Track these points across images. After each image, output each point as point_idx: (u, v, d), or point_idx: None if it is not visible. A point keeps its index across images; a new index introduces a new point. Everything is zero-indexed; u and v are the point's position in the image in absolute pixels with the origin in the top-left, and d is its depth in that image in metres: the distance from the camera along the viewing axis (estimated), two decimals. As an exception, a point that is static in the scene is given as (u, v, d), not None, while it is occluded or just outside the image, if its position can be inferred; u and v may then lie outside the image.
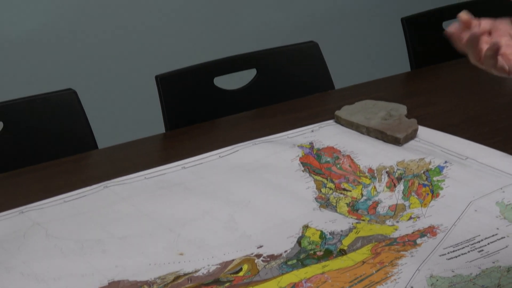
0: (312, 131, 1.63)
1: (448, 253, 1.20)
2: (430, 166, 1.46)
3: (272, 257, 1.20)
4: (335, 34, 3.29)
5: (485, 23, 1.05)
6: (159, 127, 1.81)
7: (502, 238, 1.23)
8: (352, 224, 1.29)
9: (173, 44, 2.95)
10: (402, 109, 1.66)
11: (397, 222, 1.30)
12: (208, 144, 1.59)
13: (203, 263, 1.19)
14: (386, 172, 1.45)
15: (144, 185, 1.43)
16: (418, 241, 1.23)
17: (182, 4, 2.93)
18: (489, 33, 1.04)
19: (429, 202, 1.36)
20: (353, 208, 1.35)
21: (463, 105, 1.81)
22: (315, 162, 1.49)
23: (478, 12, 2.42)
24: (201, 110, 1.85)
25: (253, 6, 3.08)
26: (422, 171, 1.45)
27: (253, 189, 1.41)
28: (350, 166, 1.48)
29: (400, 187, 1.41)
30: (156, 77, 1.80)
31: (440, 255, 1.19)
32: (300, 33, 3.02)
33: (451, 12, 2.30)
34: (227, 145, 1.56)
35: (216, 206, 1.35)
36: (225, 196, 1.39)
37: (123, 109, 2.91)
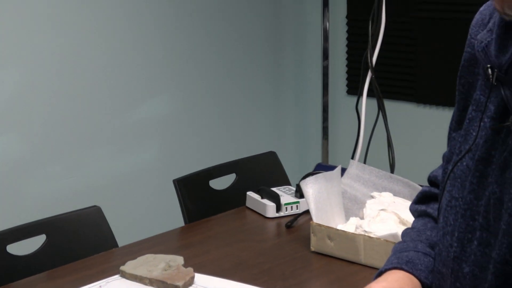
0: (100, 286, 1.72)
1: None
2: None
3: None
4: (115, 197, 3.36)
5: None
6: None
7: None
8: None
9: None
10: (180, 259, 1.81)
11: None
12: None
13: None
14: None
15: None
16: None
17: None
18: None
19: None
20: None
21: (233, 251, 1.97)
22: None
23: (244, 169, 2.62)
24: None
25: (39, 177, 3.13)
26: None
27: None
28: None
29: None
30: None
31: None
32: (85, 199, 3.06)
33: (216, 172, 2.48)
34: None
35: None
36: None
37: None
